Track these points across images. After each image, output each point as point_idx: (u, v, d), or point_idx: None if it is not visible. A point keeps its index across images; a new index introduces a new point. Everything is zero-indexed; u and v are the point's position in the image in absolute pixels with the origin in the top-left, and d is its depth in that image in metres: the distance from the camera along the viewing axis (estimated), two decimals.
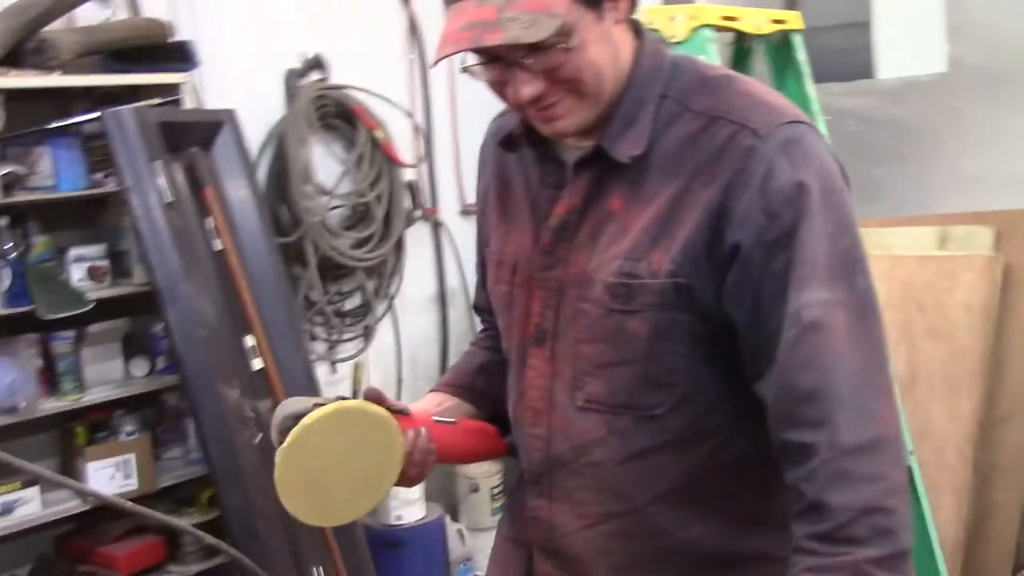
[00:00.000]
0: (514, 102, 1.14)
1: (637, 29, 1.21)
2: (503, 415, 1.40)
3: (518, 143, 1.27)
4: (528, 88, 1.11)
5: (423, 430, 1.29)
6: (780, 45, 2.45)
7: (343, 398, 1.24)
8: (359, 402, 1.23)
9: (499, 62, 1.12)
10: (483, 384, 1.44)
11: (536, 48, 1.08)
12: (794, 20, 2.41)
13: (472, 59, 1.15)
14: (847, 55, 3.65)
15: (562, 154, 1.23)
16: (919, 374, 3.15)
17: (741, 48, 2.47)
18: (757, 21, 2.35)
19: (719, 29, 2.29)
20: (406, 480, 1.30)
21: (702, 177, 1.11)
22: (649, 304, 1.13)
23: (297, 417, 1.19)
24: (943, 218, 3.30)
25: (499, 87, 1.15)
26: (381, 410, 1.24)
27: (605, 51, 1.13)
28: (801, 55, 2.42)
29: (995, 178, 3.29)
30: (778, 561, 1.13)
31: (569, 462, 1.24)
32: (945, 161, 3.40)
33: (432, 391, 1.45)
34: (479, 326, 1.58)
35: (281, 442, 1.19)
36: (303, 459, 1.18)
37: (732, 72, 1.25)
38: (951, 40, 3.35)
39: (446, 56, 1.10)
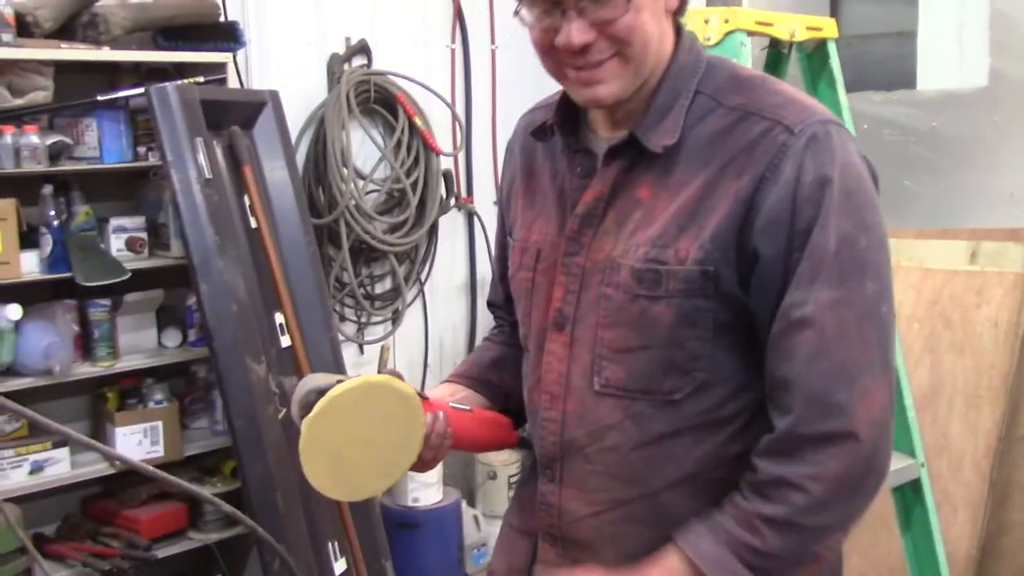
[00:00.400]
0: (565, 46, 1.14)
1: (678, 28, 1.25)
2: (514, 409, 1.45)
3: (551, 132, 1.30)
4: (580, 35, 1.12)
5: (441, 414, 1.32)
6: (815, 52, 2.45)
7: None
8: (386, 377, 1.25)
9: (556, 6, 1.14)
10: (496, 377, 1.47)
11: None
12: (829, 28, 2.41)
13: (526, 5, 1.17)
14: (890, 64, 3.64)
15: (592, 145, 1.27)
16: (941, 388, 3.14)
17: (775, 53, 2.47)
18: (792, 27, 2.35)
19: (753, 34, 2.30)
20: (420, 463, 1.33)
21: (733, 169, 1.14)
22: (676, 290, 1.15)
23: (321, 392, 1.21)
24: (975, 233, 3.28)
25: (548, 35, 1.16)
26: (407, 387, 1.26)
27: (655, 26, 1.16)
28: (835, 63, 2.42)
29: None
30: None
31: (583, 447, 1.26)
32: (981, 175, 3.38)
33: (445, 382, 1.49)
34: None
35: (302, 416, 1.22)
36: (328, 431, 1.20)
37: (765, 74, 1.30)
38: (993, 54, 3.32)
39: None
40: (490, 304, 1.60)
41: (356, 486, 1.29)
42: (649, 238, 1.18)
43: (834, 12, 3.62)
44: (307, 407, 1.22)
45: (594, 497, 1.27)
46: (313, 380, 1.26)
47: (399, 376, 1.28)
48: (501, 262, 1.49)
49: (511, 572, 1.43)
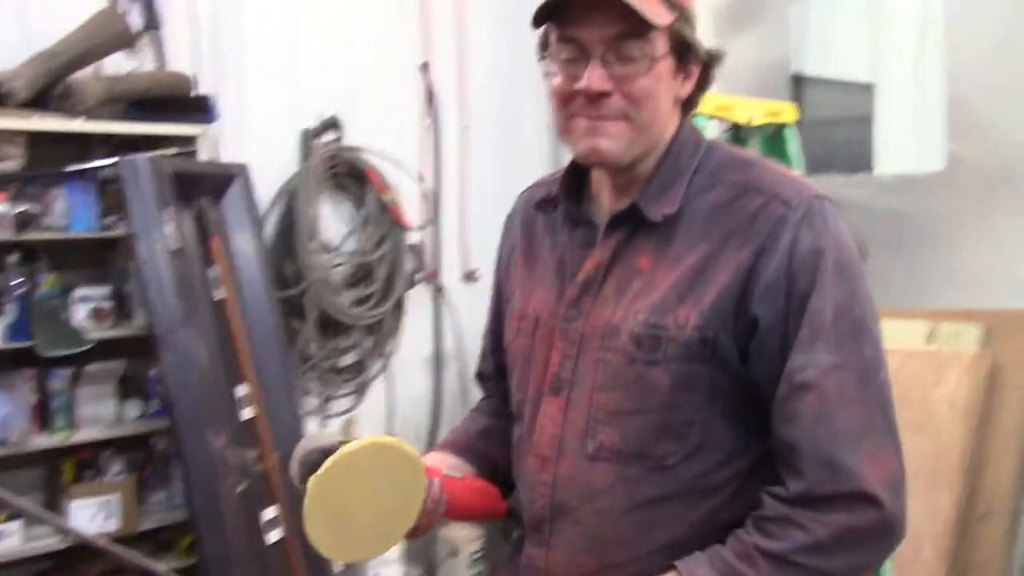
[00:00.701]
0: (585, 90, 1.19)
1: (683, 116, 1.30)
2: (501, 480, 1.45)
3: (555, 204, 1.36)
4: (600, 83, 1.18)
5: (437, 480, 1.33)
6: (774, 135, 2.52)
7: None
8: (393, 439, 1.25)
9: (582, 49, 1.20)
10: (484, 447, 1.48)
11: (631, 36, 1.17)
12: (787, 113, 2.48)
13: (552, 48, 1.23)
14: (850, 147, 3.73)
15: (595, 217, 1.31)
16: None
17: (736, 136, 2.54)
18: (751, 112, 2.42)
19: (714, 117, 2.37)
20: (413, 530, 1.32)
21: (734, 241, 1.19)
22: (674, 355, 1.19)
23: (324, 451, 1.21)
24: (934, 313, 3.33)
25: (569, 81, 1.21)
26: (413, 450, 1.26)
27: (666, 102, 1.23)
28: (792, 146, 2.49)
29: (987, 277, 3.32)
30: None
31: (573, 509, 1.26)
32: (940, 256, 3.44)
33: (433, 450, 1.48)
34: (474, 392, 1.62)
35: (304, 475, 1.21)
36: (334, 490, 1.20)
37: (760, 156, 1.35)
38: (952, 138, 3.42)
39: None
40: (480, 376, 1.62)
41: (356, 548, 1.28)
42: (649, 305, 1.21)
43: (797, 97, 3.72)
44: (310, 466, 1.21)
45: (582, 560, 1.27)
46: (315, 439, 1.26)
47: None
48: (493, 335, 1.52)
49: None
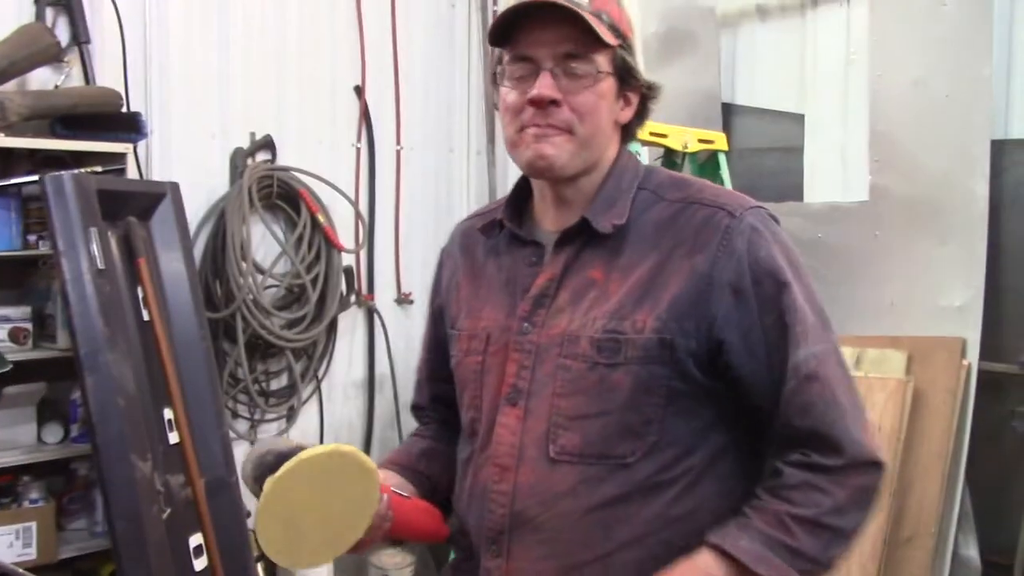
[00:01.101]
0: (536, 98, 1.29)
1: (622, 142, 1.42)
2: (439, 502, 1.47)
3: (499, 228, 1.44)
4: (550, 90, 1.29)
5: (385, 496, 1.33)
6: (706, 162, 2.56)
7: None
8: (353, 448, 1.25)
9: (533, 66, 1.31)
10: (425, 468, 1.51)
11: (578, 55, 1.29)
12: (720, 141, 2.53)
13: (507, 67, 1.34)
14: (780, 176, 3.80)
15: (540, 238, 1.40)
16: None
17: (669, 162, 2.58)
18: (684, 139, 2.46)
19: (648, 143, 2.39)
20: (358, 543, 1.32)
21: (682, 249, 1.29)
22: (634, 357, 1.26)
23: (281, 455, 1.21)
24: (859, 340, 3.40)
25: (522, 94, 1.31)
26: (371, 462, 1.25)
27: (607, 121, 1.34)
28: (725, 173, 2.54)
29: (910, 305, 3.41)
30: None
31: (534, 516, 1.30)
32: (864, 285, 3.52)
33: (378, 467, 1.47)
34: (406, 415, 1.63)
35: (257, 477, 1.21)
36: (290, 494, 1.19)
37: (693, 176, 1.46)
38: (873, 171, 3.51)
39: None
40: (415, 408, 1.64)
41: (303, 554, 1.27)
42: (606, 312, 1.28)
43: (727, 125, 3.78)
44: (265, 468, 1.21)
45: (543, 566, 1.29)
46: (270, 443, 1.26)
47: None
48: (429, 364, 1.57)
49: None
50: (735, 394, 1.29)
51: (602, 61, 1.31)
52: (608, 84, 1.32)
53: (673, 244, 1.30)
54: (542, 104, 1.29)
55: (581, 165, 1.33)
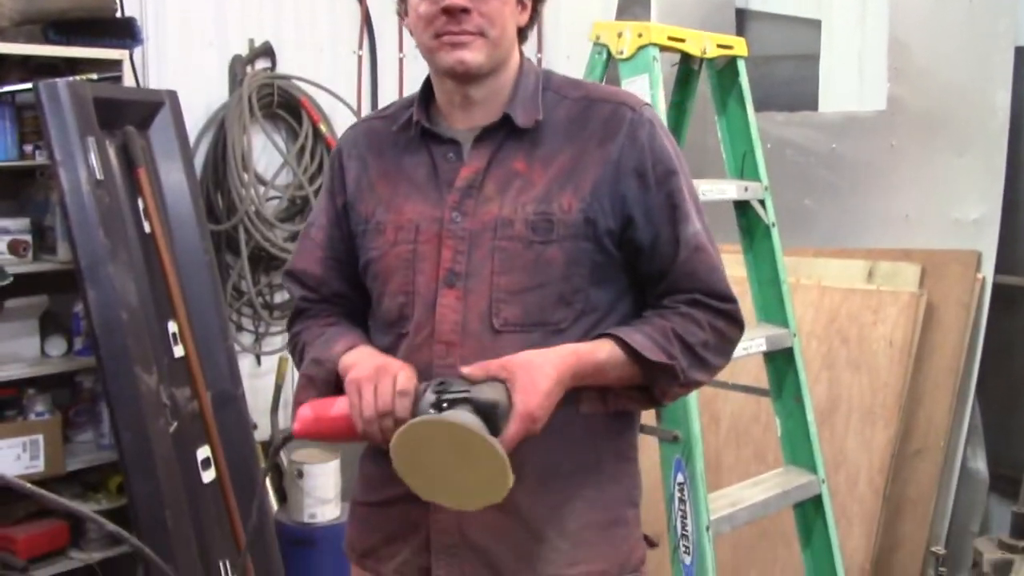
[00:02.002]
0: (448, 6, 1.40)
1: (521, 46, 1.55)
2: None
3: (416, 126, 1.52)
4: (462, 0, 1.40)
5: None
6: (724, 69, 2.47)
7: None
8: (507, 478, 1.27)
9: None
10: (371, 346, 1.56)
11: None
12: (739, 47, 2.43)
13: None
14: (794, 85, 3.70)
15: (455, 135, 1.51)
16: (838, 404, 3.20)
17: (685, 69, 2.48)
18: (703, 44, 2.36)
19: (665, 49, 2.30)
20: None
21: (594, 140, 1.47)
22: (564, 235, 1.43)
23: (488, 404, 1.30)
24: (872, 252, 3.35)
25: (434, 5, 1.41)
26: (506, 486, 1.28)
27: (511, 24, 1.47)
28: (744, 81, 2.44)
29: (925, 217, 3.35)
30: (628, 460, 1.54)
31: None
32: (878, 197, 3.46)
33: (354, 347, 1.49)
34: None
35: (435, 406, 1.31)
36: (439, 436, 1.27)
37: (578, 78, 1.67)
38: (891, 80, 3.41)
39: None
40: (309, 300, 1.62)
41: (430, 485, 1.34)
42: (534, 198, 1.44)
43: (740, 32, 3.67)
44: (450, 405, 1.31)
45: None
46: (488, 390, 1.32)
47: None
48: (328, 264, 1.60)
49: (390, 542, 1.52)
50: (635, 264, 1.49)
51: None
52: None
53: (586, 135, 1.47)
54: (454, 12, 1.41)
55: (493, 65, 1.46)
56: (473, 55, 1.43)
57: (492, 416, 1.30)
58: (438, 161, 1.50)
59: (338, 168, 1.61)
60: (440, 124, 1.53)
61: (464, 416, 1.28)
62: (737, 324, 1.52)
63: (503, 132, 1.48)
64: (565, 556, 1.47)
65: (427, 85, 1.54)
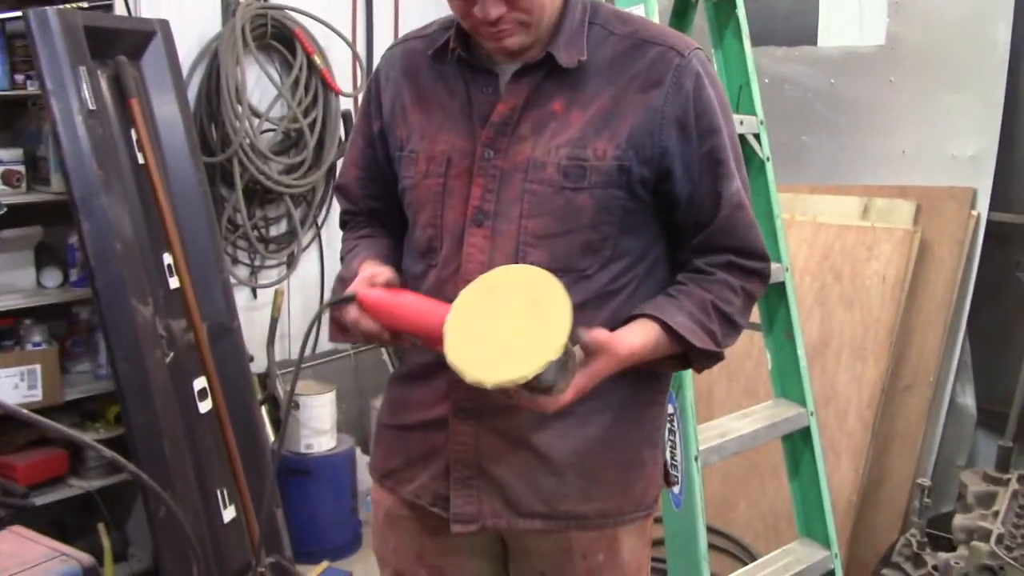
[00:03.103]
0: (481, 19, 1.36)
1: None
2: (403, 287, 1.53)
3: (452, 54, 1.48)
4: (495, 10, 1.35)
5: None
6: (722, 2, 2.44)
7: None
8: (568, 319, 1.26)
9: None
10: (397, 260, 1.58)
11: None
12: None
13: None
14: (793, 19, 3.66)
15: (494, 67, 1.46)
16: (830, 340, 3.23)
17: (683, 1, 2.46)
18: None
19: None
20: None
21: (636, 84, 1.41)
22: (596, 182, 1.39)
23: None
24: (868, 189, 3.35)
25: (468, 6, 1.37)
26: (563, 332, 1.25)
27: None
28: (742, 13, 2.42)
29: (921, 154, 3.34)
30: (653, 401, 1.54)
31: None
32: (876, 133, 3.45)
33: (367, 260, 1.51)
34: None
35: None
36: (521, 284, 1.28)
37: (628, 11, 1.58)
38: (891, 15, 3.38)
39: None
40: (348, 213, 1.67)
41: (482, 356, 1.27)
42: (569, 141, 1.40)
43: None
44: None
45: None
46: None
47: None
48: (363, 182, 1.62)
49: (410, 466, 1.53)
50: (668, 213, 1.46)
51: None
52: None
53: (628, 78, 1.41)
54: (489, 22, 1.36)
55: (536, 38, 1.42)
56: (515, 41, 1.39)
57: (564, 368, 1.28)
58: (473, 93, 1.46)
59: (375, 91, 1.58)
60: (478, 53, 1.47)
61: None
62: (765, 282, 1.52)
63: (544, 69, 1.43)
64: (580, 493, 1.47)
65: None
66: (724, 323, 1.45)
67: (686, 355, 1.45)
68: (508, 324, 1.27)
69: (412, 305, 1.40)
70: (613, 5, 1.54)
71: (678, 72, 1.40)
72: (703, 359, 1.45)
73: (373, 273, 1.43)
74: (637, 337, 1.38)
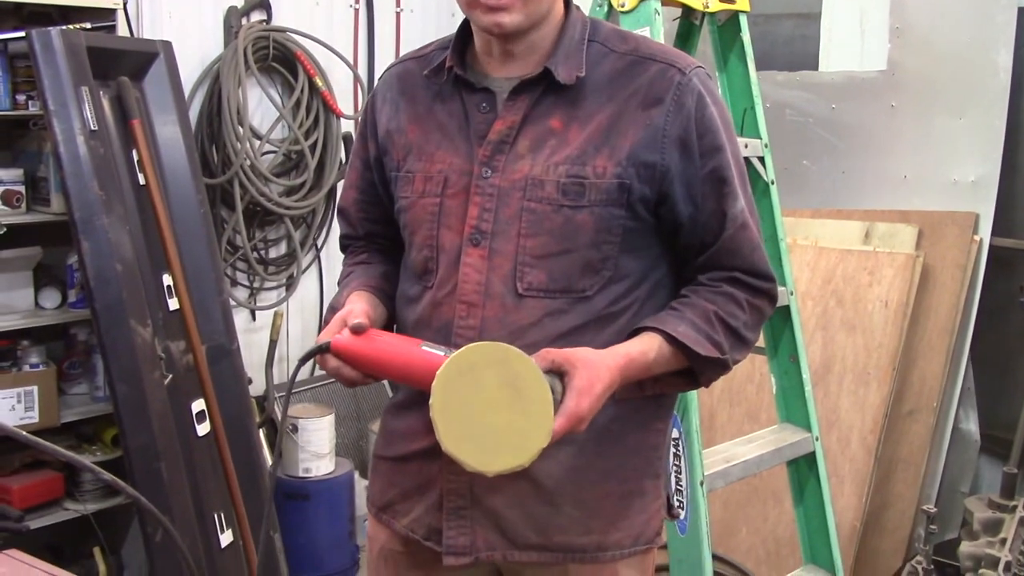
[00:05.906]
0: None
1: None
2: (392, 317, 1.55)
3: (448, 72, 1.46)
4: None
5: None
6: (726, 24, 2.44)
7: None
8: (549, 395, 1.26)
9: None
10: (388, 288, 1.56)
11: None
12: (742, 1, 2.41)
13: None
14: (795, 44, 3.68)
15: (489, 85, 1.44)
16: (832, 364, 3.21)
17: (687, 24, 2.46)
18: None
19: (667, 3, 2.28)
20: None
21: (636, 101, 1.38)
22: (596, 200, 1.37)
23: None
24: (869, 214, 3.35)
25: None
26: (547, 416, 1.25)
27: None
28: (746, 36, 2.42)
29: (922, 179, 3.34)
30: (656, 431, 1.50)
31: None
32: (877, 158, 3.45)
33: (354, 292, 1.50)
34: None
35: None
36: (493, 367, 1.25)
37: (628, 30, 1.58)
38: (892, 40, 3.39)
39: None
40: (347, 238, 1.67)
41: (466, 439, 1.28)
42: (568, 158, 1.37)
43: None
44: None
45: None
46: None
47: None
48: (361, 205, 1.62)
49: (405, 498, 1.51)
50: (671, 234, 1.44)
51: None
52: None
53: (628, 95, 1.39)
54: None
55: (533, 22, 1.39)
56: (511, 17, 1.36)
57: None
58: (470, 111, 1.44)
59: (371, 113, 1.57)
60: (475, 71, 1.46)
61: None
62: (773, 302, 1.49)
63: (542, 86, 1.41)
64: (578, 525, 1.44)
65: (464, 27, 1.47)
66: (730, 334, 1.41)
67: (692, 370, 1.42)
68: (492, 409, 1.25)
69: (387, 350, 1.36)
70: (616, 25, 1.52)
71: (679, 90, 1.38)
72: (709, 369, 1.42)
73: (349, 312, 1.40)
74: (634, 344, 1.36)
